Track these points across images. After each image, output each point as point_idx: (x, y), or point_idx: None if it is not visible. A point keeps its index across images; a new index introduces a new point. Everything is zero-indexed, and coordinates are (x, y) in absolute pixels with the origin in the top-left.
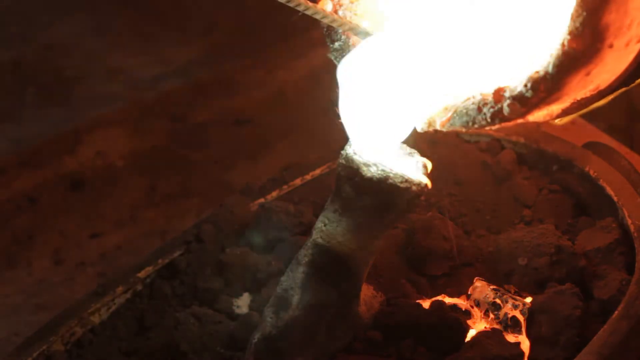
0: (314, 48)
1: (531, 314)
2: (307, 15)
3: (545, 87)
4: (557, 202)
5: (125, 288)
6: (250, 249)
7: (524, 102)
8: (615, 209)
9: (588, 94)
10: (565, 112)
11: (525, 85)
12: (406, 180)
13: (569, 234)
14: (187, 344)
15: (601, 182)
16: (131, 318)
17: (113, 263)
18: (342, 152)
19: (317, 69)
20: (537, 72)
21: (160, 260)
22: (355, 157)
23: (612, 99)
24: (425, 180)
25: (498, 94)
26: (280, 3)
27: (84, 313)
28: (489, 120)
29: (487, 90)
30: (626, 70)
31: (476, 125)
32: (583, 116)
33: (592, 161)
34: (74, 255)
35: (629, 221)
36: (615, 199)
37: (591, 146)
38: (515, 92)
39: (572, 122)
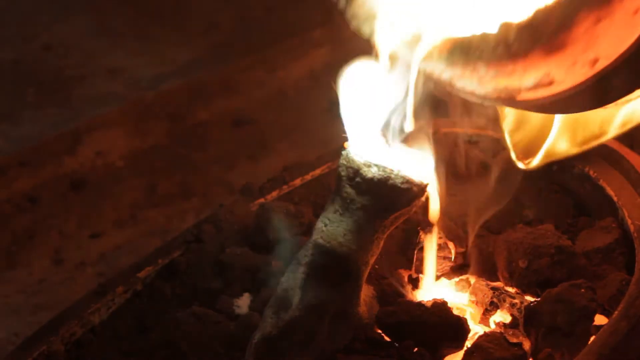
0: (314, 48)
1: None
2: (307, 15)
3: (555, 19)
4: (557, 202)
5: (125, 288)
6: (250, 249)
7: (533, 32)
8: (615, 209)
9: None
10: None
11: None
12: (407, 181)
13: (569, 234)
14: (187, 344)
15: (601, 182)
16: (131, 318)
17: (113, 263)
18: (343, 152)
19: (317, 69)
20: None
21: (160, 260)
22: (356, 158)
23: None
24: (427, 181)
25: (505, 29)
26: (280, 3)
27: (84, 313)
28: (492, 55)
29: (491, 28)
30: (629, 49)
31: (469, 69)
32: None
33: (592, 161)
34: (74, 255)
35: (629, 221)
36: (615, 199)
37: None
38: (524, 23)
39: None
